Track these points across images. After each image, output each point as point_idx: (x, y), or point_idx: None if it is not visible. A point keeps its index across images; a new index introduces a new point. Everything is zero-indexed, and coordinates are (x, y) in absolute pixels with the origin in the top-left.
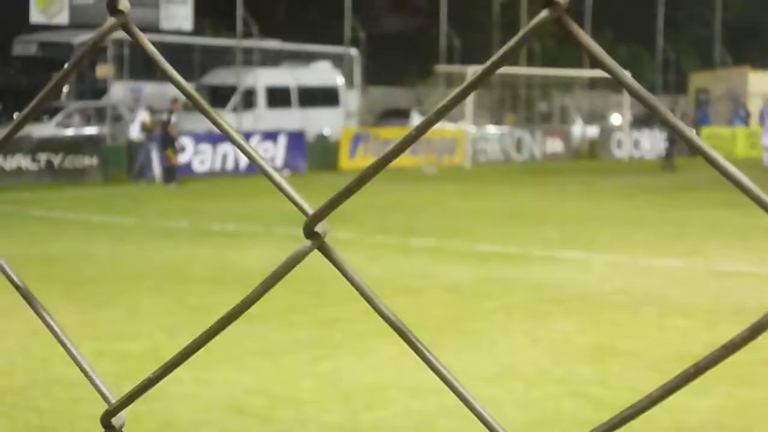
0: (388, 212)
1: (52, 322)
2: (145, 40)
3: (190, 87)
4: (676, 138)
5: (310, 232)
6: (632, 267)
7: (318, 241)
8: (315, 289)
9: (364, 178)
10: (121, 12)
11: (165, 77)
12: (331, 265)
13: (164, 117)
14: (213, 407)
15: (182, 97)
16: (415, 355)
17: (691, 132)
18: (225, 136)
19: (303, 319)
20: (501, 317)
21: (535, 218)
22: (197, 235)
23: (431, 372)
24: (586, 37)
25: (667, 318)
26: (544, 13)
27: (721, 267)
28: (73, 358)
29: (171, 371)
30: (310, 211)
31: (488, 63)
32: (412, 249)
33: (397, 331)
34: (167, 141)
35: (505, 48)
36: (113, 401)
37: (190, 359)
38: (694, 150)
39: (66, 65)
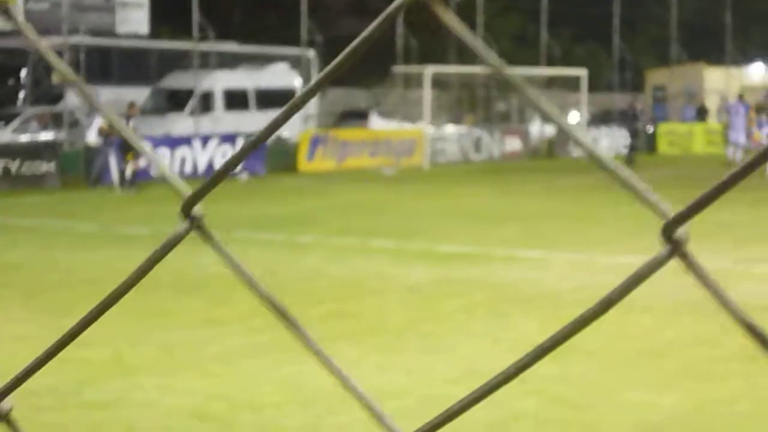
0: (348, 214)
1: None
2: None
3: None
4: (638, 134)
5: (187, 214)
6: (592, 265)
7: (195, 223)
8: (276, 292)
9: (235, 161)
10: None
11: (123, 82)
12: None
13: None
14: (175, 414)
15: (138, 101)
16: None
17: (572, 127)
18: (188, 140)
19: (264, 323)
20: (462, 318)
21: (494, 218)
22: (157, 240)
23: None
24: (457, 25)
25: (629, 315)
26: None
27: (681, 264)
28: None
29: (54, 357)
30: (187, 193)
31: (358, 39)
32: (373, 250)
33: (279, 315)
34: (127, 147)
35: (366, 31)
36: None
37: (153, 367)
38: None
39: (22, 71)
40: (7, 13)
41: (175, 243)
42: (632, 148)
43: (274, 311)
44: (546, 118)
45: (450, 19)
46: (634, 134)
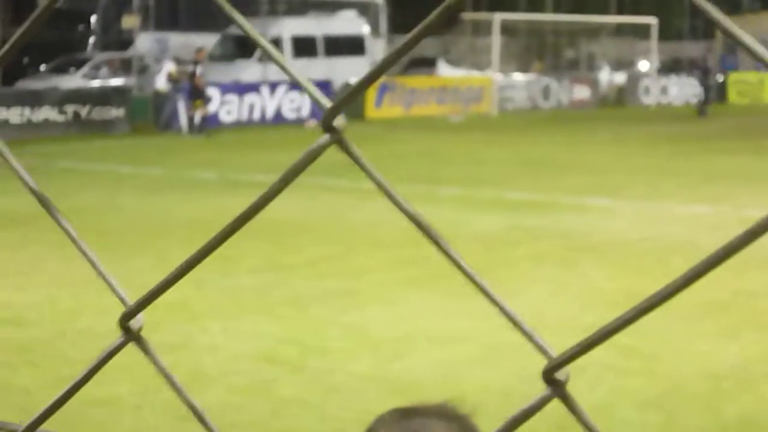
0: (415, 161)
1: (70, 229)
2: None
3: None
4: (710, 84)
5: (328, 127)
6: (661, 214)
7: (336, 135)
8: (343, 239)
9: (381, 69)
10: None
11: (192, 28)
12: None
13: (190, 68)
14: (241, 357)
15: (207, 47)
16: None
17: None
18: (257, 87)
19: (332, 269)
20: (529, 265)
21: (563, 166)
22: (225, 186)
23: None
24: None
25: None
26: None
27: (750, 213)
28: (92, 262)
29: (187, 272)
30: (328, 105)
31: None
32: (440, 198)
33: (424, 231)
34: (195, 93)
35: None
36: (130, 304)
37: (219, 311)
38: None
39: (92, 17)
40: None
41: (317, 154)
42: (705, 100)
43: (424, 233)
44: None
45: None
46: (706, 87)
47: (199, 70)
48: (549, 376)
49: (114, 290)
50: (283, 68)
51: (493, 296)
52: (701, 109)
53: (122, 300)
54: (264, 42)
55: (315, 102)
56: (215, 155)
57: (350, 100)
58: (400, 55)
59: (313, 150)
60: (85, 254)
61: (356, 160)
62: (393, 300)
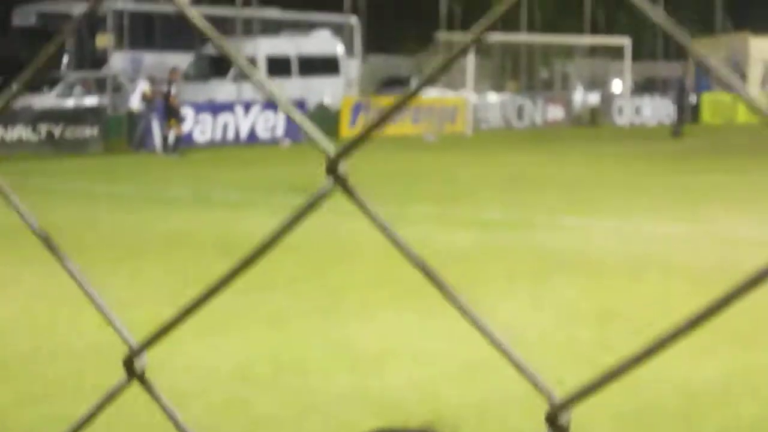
0: (390, 180)
1: (71, 267)
2: (367, 206)
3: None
4: (684, 104)
5: (332, 172)
6: (635, 232)
7: (341, 181)
8: (322, 256)
9: (385, 118)
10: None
11: (167, 47)
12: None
13: (165, 88)
14: (219, 375)
15: (181, 67)
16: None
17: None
18: (231, 106)
19: (310, 287)
20: (504, 283)
21: (537, 185)
22: (199, 203)
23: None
24: None
25: (671, 283)
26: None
27: (724, 232)
28: (97, 304)
29: (192, 313)
30: (332, 151)
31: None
32: (415, 216)
33: (425, 273)
34: (169, 112)
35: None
36: (134, 344)
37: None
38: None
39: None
40: None
41: (320, 200)
42: (680, 121)
43: (425, 275)
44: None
45: None
46: (681, 107)
47: (173, 89)
48: (552, 420)
49: (119, 332)
50: (280, 104)
51: (494, 336)
52: (675, 129)
53: (127, 341)
54: (260, 76)
55: (318, 145)
56: (189, 173)
57: (355, 146)
58: (418, 91)
59: (318, 195)
60: (90, 295)
61: (361, 207)
62: (372, 318)
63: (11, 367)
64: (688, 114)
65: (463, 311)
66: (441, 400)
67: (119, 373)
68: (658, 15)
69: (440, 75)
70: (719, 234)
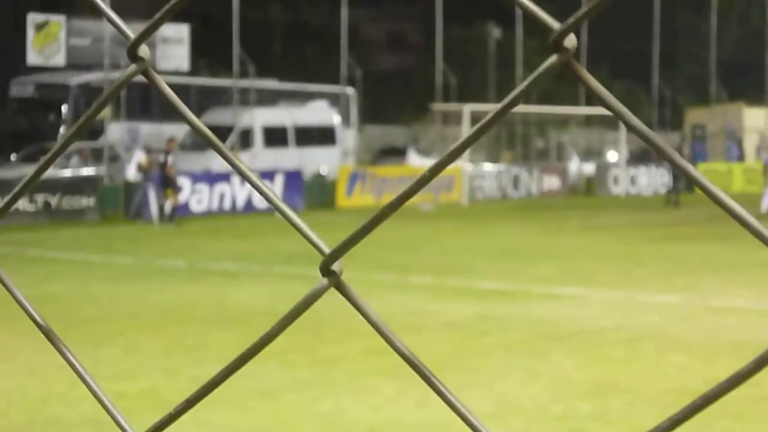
0: (386, 250)
1: (72, 359)
2: (164, 85)
3: (208, 131)
4: (681, 177)
5: (326, 271)
6: (630, 303)
7: (335, 279)
8: (314, 328)
9: (380, 217)
10: (141, 59)
11: (164, 118)
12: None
13: (161, 158)
14: None
15: (178, 137)
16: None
17: (689, 167)
18: (227, 176)
19: (302, 359)
20: (500, 354)
21: (533, 255)
22: (195, 274)
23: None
24: (593, 81)
25: (666, 354)
26: (553, 59)
27: (719, 302)
28: (94, 393)
29: (193, 405)
30: (327, 250)
31: (500, 105)
32: (410, 286)
33: (413, 368)
34: (166, 182)
35: (516, 91)
36: None
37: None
38: (696, 185)
39: (63, 106)
40: (146, 74)
41: (316, 298)
42: (676, 190)
43: (410, 365)
44: (670, 163)
45: (585, 74)
46: (676, 177)
47: (170, 159)
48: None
49: (117, 423)
50: (278, 209)
51: (474, 424)
52: (671, 199)
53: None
54: (259, 182)
55: (314, 247)
56: (185, 244)
57: (351, 245)
58: (440, 169)
59: (312, 295)
60: (92, 390)
61: (355, 304)
62: (365, 389)
63: None
64: (683, 183)
65: (449, 401)
66: None
67: None
68: (634, 122)
69: (468, 146)
70: (714, 304)
